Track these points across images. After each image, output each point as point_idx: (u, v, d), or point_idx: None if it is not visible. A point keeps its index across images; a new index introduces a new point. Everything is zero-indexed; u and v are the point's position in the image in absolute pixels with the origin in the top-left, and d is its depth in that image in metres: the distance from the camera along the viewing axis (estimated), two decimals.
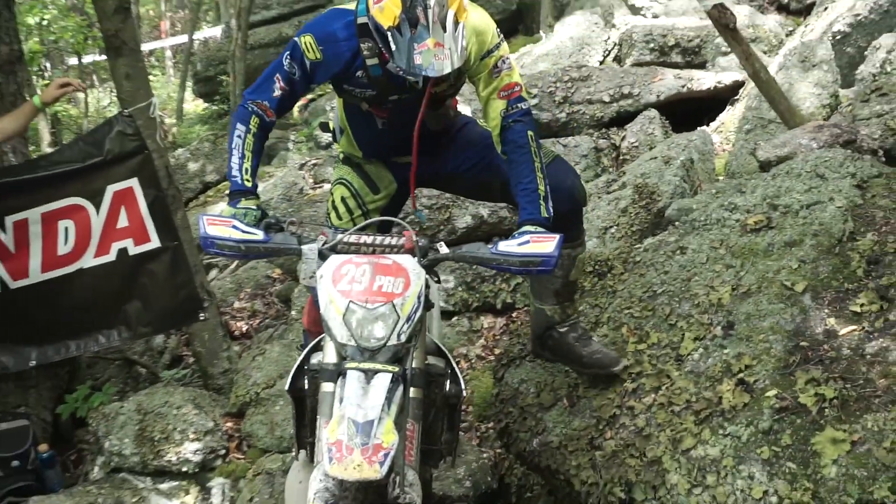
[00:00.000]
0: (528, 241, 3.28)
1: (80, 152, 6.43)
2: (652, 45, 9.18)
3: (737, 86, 8.08)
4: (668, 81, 8.25)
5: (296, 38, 3.67)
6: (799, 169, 4.81)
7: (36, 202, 6.27)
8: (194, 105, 17.54)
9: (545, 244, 3.25)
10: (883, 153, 4.91)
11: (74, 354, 6.54)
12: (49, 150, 10.74)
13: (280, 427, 5.78)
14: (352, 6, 3.63)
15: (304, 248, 3.32)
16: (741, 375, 3.88)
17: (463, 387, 3.41)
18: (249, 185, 3.53)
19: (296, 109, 13.53)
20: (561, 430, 4.22)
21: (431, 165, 4.08)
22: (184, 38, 17.34)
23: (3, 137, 5.77)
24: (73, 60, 16.98)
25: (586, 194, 4.08)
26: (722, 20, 5.92)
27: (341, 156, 4.25)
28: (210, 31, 17.21)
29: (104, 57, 7.35)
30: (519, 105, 3.66)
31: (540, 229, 3.41)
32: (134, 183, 6.29)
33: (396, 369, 3.04)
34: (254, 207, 3.47)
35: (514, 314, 5.66)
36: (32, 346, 6.31)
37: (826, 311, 4.03)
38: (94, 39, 13.64)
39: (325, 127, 4.29)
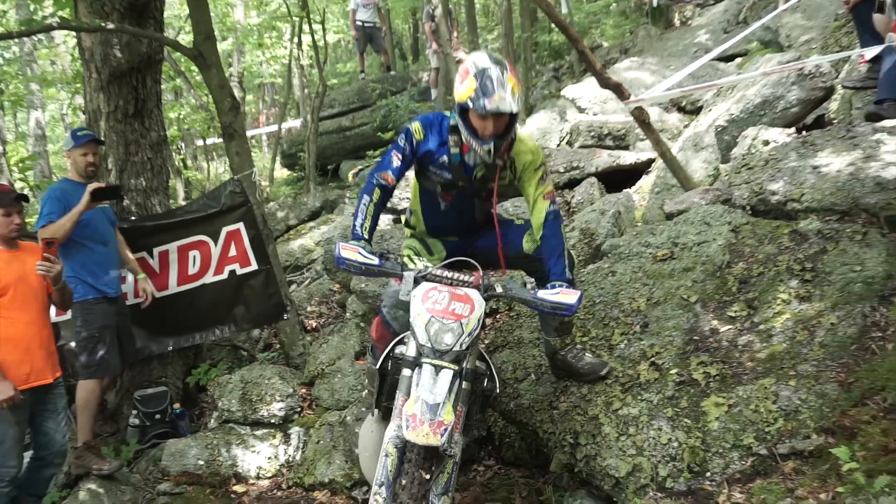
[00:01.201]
0: (558, 293, 3.39)
1: (204, 204, 6.53)
2: (592, 133, 9.19)
3: (650, 161, 8.07)
4: (604, 158, 8.25)
5: (408, 126, 3.78)
6: (693, 218, 4.83)
7: (174, 238, 6.37)
8: (281, 173, 17.56)
9: (570, 296, 3.37)
10: (749, 208, 4.92)
11: (199, 342, 6.61)
12: (183, 203, 10.77)
13: (338, 393, 5.78)
14: (448, 113, 3.76)
15: (406, 273, 3.43)
16: (653, 359, 3.91)
17: (496, 384, 3.49)
18: (365, 235, 3.61)
19: (350, 175, 13.53)
20: (530, 395, 4.22)
21: (469, 243, 4.08)
22: (274, 127, 17.40)
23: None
24: (200, 142, 17.06)
25: (574, 263, 4.12)
26: (640, 117, 5.94)
27: (409, 233, 4.24)
28: (292, 123, 17.26)
29: (221, 140, 7.39)
30: (555, 206, 3.77)
31: (566, 285, 3.51)
32: (240, 225, 6.37)
33: (457, 367, 3.20)
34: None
35: (497, 316, 5.64)
36: (170, 336, 6.39)
37: (711, 315, 4.05)
38: (214, 128, 13.70)
39: (400, 220, 4.39)
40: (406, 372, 3.26)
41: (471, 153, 3.66)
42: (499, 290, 3.46)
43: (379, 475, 3.03)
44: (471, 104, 3.40)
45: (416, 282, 3.41)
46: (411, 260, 3.99)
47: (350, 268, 3.43)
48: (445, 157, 3.72)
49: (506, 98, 3.36)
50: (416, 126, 3.74)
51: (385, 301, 3.96)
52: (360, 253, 3.42)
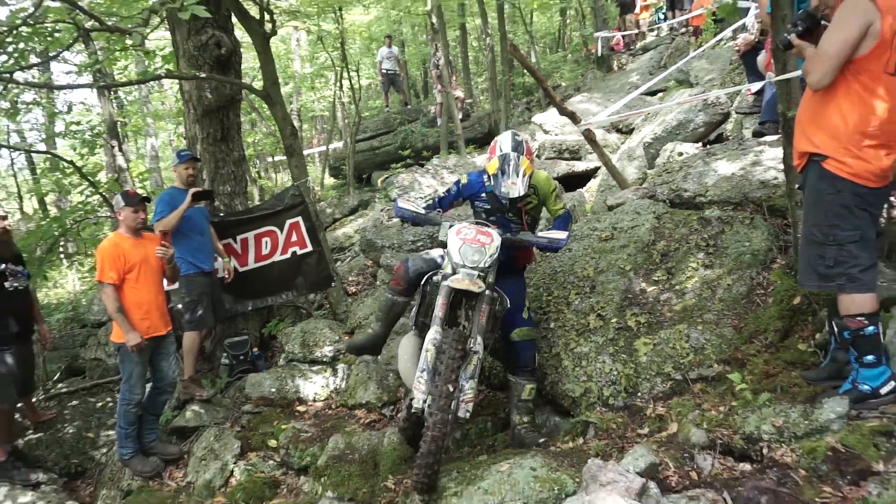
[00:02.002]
0: (552, 232, 3.49)
1: (273, 204, 6.52)
2: (555, 149, 9.17)
3: (596, 168, 8.06)
4: (563, 167, 8.26)
5: (459, 178, 3.88)
6: (627, 209, 4.81)
7: (251, 228, 6.37)
8: (329, 180, 17.49)
9: (561, 234, 3.45)
10: (668, 201, 4.90)
11: (270, 304, 6.58)
12: (257, 203, 10.74)
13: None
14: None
15: (444, 222, 3.46)
16: (599, 311, 3.91)
17: (505, 305, 3.44)
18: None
19: (379, 182, 13.48)
20: None
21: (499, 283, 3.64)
22: (323, 148, 17.33)
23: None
24: (269, 159, 16.98)
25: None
26: (589, 136, 5.92)
27: None
28: (336, 144, 17.13)
29: (285, 157, 7.39)
30: (566, 212, 3.85)
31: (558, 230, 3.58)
32: (299, 218, 6.35)
33: (483, 274, 3.23)
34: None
35: None
36: (249, 299, 6.37)
37: (641, 279, 4.05)
38: (279, 148, 13.63)
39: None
40: (444, 282, 3.23)
41: None
42: (509, 235, 3.51)
43: (421, 365, 2.98)
44: (493, 180, 3.52)
45: (451, 227, 3.44)
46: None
47: (404, 213, 3.49)
48: (484, 193, 3.78)
49: (517, 184, 3.45)
50: (463, 177, 3.86)
51: (413, 256, 3.99)
52: (413, 205, 3.51)
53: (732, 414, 2.81)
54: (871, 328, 2.56)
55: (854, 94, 2.48)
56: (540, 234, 3.49)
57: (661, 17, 16.36)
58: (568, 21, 22.82)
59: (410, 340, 3.59)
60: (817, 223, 2.62)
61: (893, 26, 2.38)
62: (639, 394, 3.43)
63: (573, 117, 5.99)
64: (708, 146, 6.18)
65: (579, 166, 8.28)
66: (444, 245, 3.47)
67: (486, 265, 3.23)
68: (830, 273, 2.59)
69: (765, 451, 2.54)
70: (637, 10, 16.93)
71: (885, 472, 2.19)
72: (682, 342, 3.50)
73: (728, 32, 9.23)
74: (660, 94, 10.33)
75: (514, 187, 3.45)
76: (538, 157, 9.57)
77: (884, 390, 2.59)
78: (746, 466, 2.55)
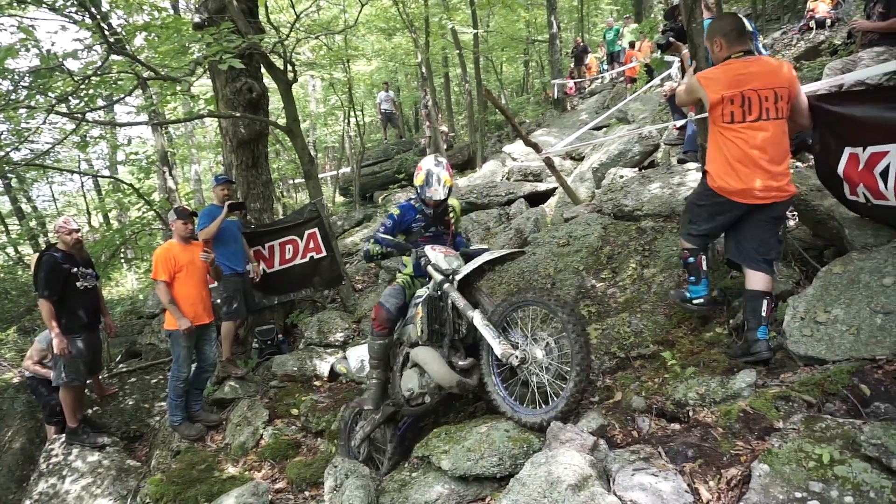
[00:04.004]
0: (478, 247, 3.55)
1: (294, 218, 6.45)
2: (521, 173, 9.18)
3: (555, 188, 8.06)
4: (528, 187, 8.25)
5: (393, 213, 3.56)
6: (580, 221, 4.83)
7: (277, 237, 6.28)
8: (339, 199, 17.40)
9: (483, 247, 3.57)
10: (612, 214, 4.92)
11: (293, 298, 6.49)
12: (282, 217, 10.65)
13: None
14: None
15: (414, 248, 3.38)
16: None
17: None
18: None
19: (379, 199, 13.43)
20: None
21: None
22: (334, 172, 17.23)
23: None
24: (291, 181, 16.83)
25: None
26: (548, 162, 5.95)
27: (405, 271, 3.67)
28: (345, 169, 17.03)
29: (303, 179, 7.32)
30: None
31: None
32: (315, 229, 6.28)
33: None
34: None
35: None
36: (275, 294, 6.28)
37: (591, 278, 4.06)
38: (299, 173, 13.49)
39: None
40: (445, 284, 3.11)
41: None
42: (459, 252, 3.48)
43: (490, 336, 2.82)
44: (420, 190, 3.49)
45: (420, 251, 3.33)
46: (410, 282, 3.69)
47: (383, 241, 3.40)
48: (418, 215, 3.57)
49: (438, 190, 3.44)
50: (395, 210, 3.57)
51: (383, 297, 3.60)
52: (391, 238, 3.44)
53: (665, 384, 2.82)
54: (691, 258, 3.08)
55: (714, 135, 2.88)
56: (471, 247, 3.59)
57: (604, 68, 16.63)
58: (530, 71, 23.01)
59: (427, 350, 3.20)
60: (691, 201, 3.11)
61: (717, 94, 2.75)
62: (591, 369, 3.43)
63: (536, 147, 6.01)
64: (643, 170, 6.23)
65: (541, 187, 8.29)
66: (424, 263, 3.29)
67: (456, 268, 3.20)
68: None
69: (691, 413, 2.55)
70: (588, 60, 17.45)
71: (784, 428, 2.21)
72: (624, 327, 3.50)
73: (657, 80, 9.33)
74: (604, 129, 10.40)
75: (437, 192, 3.43)
76: (507, 179, 9.59)
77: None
78: (676, 426, 2.56)
